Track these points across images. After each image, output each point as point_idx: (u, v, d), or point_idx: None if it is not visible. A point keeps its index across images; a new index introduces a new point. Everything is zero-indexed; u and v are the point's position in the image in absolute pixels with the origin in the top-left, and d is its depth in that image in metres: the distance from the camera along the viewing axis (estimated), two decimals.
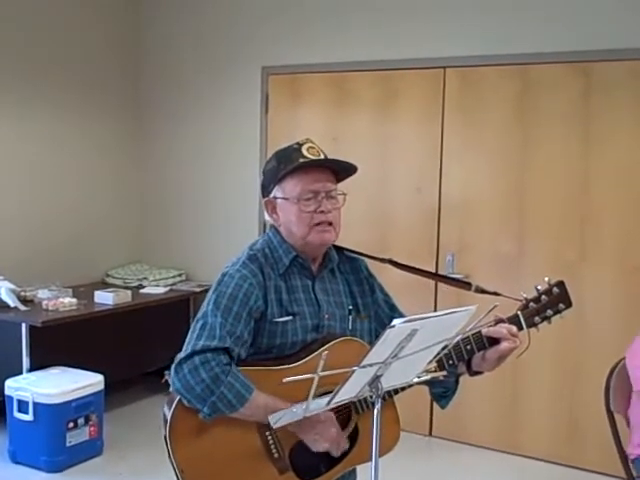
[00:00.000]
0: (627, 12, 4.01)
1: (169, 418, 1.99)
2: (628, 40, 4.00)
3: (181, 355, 1.97)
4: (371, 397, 1.74)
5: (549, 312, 2.09)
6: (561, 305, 2.10)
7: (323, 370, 1.61)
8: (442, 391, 2.21)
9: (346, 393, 1.70)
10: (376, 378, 1.68)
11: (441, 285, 4.31)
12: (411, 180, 4.70)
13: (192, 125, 5.52)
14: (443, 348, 1.79)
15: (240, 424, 1.98)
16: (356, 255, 2.29)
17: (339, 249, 2.25)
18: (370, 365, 1.62)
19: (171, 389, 2.00)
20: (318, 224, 2.07)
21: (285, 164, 2.08)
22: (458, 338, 1.82)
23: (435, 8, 4.53)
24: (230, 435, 1.99)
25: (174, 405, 1.99)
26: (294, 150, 2.10)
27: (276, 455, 2.03)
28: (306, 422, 1.94)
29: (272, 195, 2.14)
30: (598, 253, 4.20)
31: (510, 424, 4.48)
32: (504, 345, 2.02)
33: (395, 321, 1.53)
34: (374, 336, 2.21)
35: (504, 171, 4.43)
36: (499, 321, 2.06)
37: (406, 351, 1.61)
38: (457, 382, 2.18)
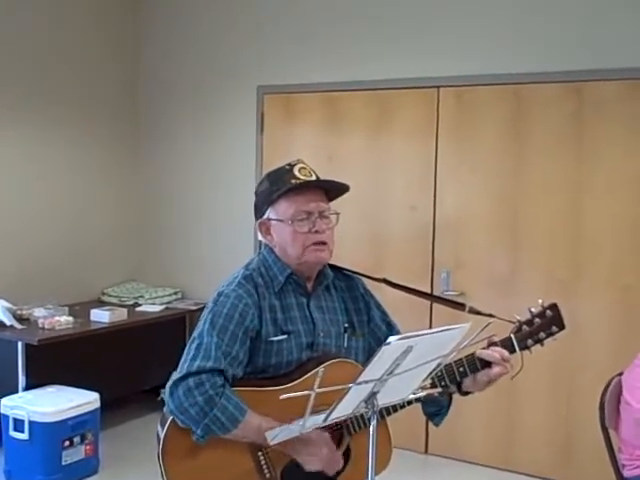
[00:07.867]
0: (617, 33, 4.07)
1: (162, 438, 2.00)
2: (619, 60, 4.04)
3: (176, 376, 1.98)
4: (367, 414, 1.75)
5: (542, 335, 2.10)
6: (554, 328, 2.10)
7: (319, 388, 1.62)
8: (435, 410, 2.22)
9: (342, 410, 1.71)
10: (372, 395, 1.70)
11: (436, 304, 4.32)
12: (405, 198, 4.72)
13: (188, 144, 5.55)
14: (438, 365, 1.80)
15: (232, 444, 1.98)
16: (352, 274, 2.31)
17: (335, 268, 2.27)
18: (366, 382, 1.63)
19: (165, 410, 2.01)
20: (312, 244, 2.09)
21: (278, 186, 2.09)
22: (453, 355, 1.84)
23: (429, 28, 4.58)
24: (222, 455, 2.00)
25: (167, 425, 1.99)
26: (286, 171, 2.11)
27: (268, 475, 2.03)
28: (299, 442, 1.94)
29: (266, 217, 2.15)
30: (592, 271, 4.22)
31: (506, 441, 4.48)
32: (495, 370, 2.05)
33: (391, 338, 1.55)
34: (369, 354, 2.21)
35: (498, 189, 4.46)
36: (492, 344, 2.08)
37: (402, 368, 1.63)
38: (450, 400, 2.19)
